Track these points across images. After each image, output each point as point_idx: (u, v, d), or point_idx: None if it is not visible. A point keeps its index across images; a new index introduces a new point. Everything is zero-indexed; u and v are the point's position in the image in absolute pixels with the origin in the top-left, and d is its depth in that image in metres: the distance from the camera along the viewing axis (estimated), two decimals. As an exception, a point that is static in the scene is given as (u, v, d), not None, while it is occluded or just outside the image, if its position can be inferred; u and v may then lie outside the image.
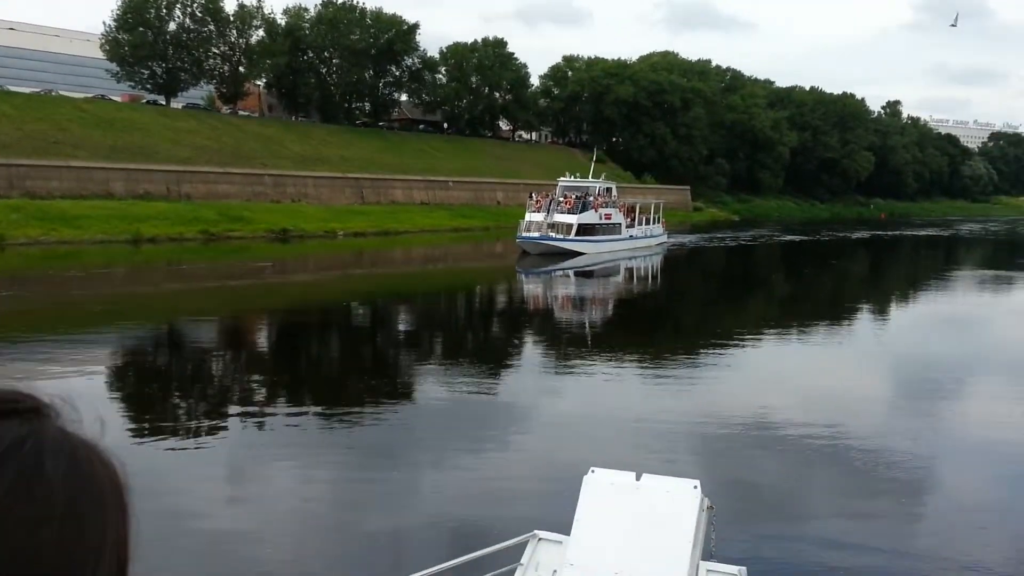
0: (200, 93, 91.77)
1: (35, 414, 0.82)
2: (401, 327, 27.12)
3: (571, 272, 42.37)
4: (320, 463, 12.32)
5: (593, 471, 5.34)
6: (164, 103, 78.65)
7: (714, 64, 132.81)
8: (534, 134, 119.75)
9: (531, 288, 38.13)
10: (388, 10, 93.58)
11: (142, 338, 22.65)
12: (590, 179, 56.03)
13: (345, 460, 12.60)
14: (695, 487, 5.16)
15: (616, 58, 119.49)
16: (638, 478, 5.24)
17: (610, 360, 20.65)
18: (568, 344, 23.39)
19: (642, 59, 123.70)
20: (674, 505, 5.10)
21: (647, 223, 59.29)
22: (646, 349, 22.40)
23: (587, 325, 27.39)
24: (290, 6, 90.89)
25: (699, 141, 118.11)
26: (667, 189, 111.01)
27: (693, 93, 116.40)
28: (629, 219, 55.87)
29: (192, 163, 62.58)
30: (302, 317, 27.59)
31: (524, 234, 48.94)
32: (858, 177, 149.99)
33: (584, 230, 49.53)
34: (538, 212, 49.99)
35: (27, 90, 70.30)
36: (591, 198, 51.70)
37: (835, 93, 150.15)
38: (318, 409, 15.50)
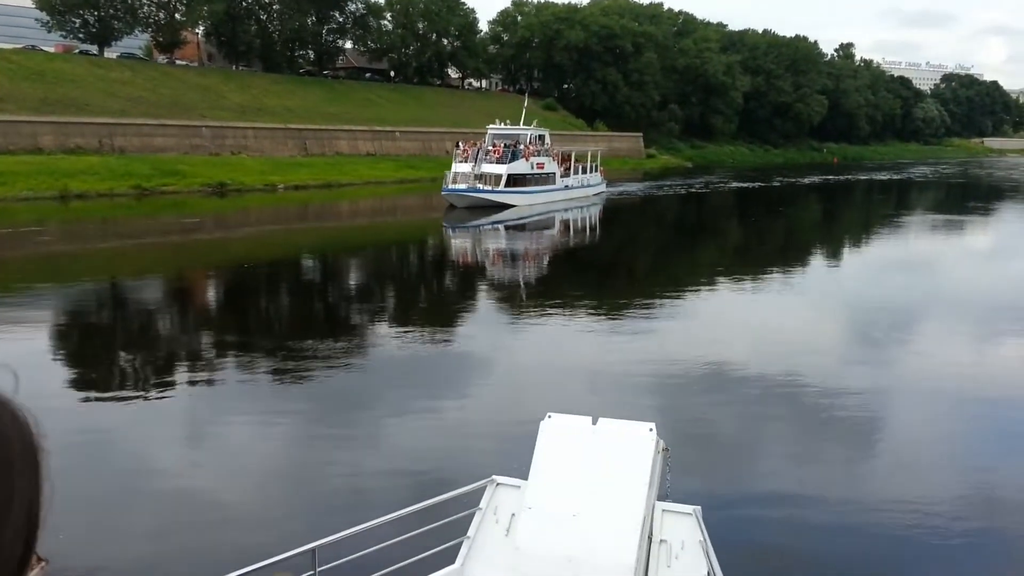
0: (138, 43, 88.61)
1: None
2: (333, 284, 26.36)
3: (502, 226, 40.71)
4: (276, 419, 12.33)
5: (550, 416, 5.43)
6: (97, 53, 75.87)
7: (666, 8, 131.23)
8: (484, 82, 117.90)
9: (464, 242, 36.92)
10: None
11: (51, 301, 21.66)
12: (521, 126, 52.48)
13: (302, 415, 12.58)
14: (650, 430, 5.24)
15: (566, 2, 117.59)
16: (594, 422, 5.30)
17: (558, 311, 20.43)
18: (513, 297, 23.19)
19: (593, 3, 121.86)
20: (630, 448, 5.19)
21: (584, 172, 56.50)
22: (591, 301, 22.09)
23: (527, 278, 26.85)
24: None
25: (651, 87, 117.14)
26: (619, 136, 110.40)
27: (644, 37, 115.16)
28: (564, 168, 53.15)
29: (127, 115, 60.50)
30: (224, 275, 26.70)
31: (451, 186, 46.18)
32: (811, 122, 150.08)
33: (514, 181, 46.77)
34: (465, 162, 46.91)
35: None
36: (522, 147, 48.67)
37: (788, 36, 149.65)
38: (268, 365, 15.21)
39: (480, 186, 45.80)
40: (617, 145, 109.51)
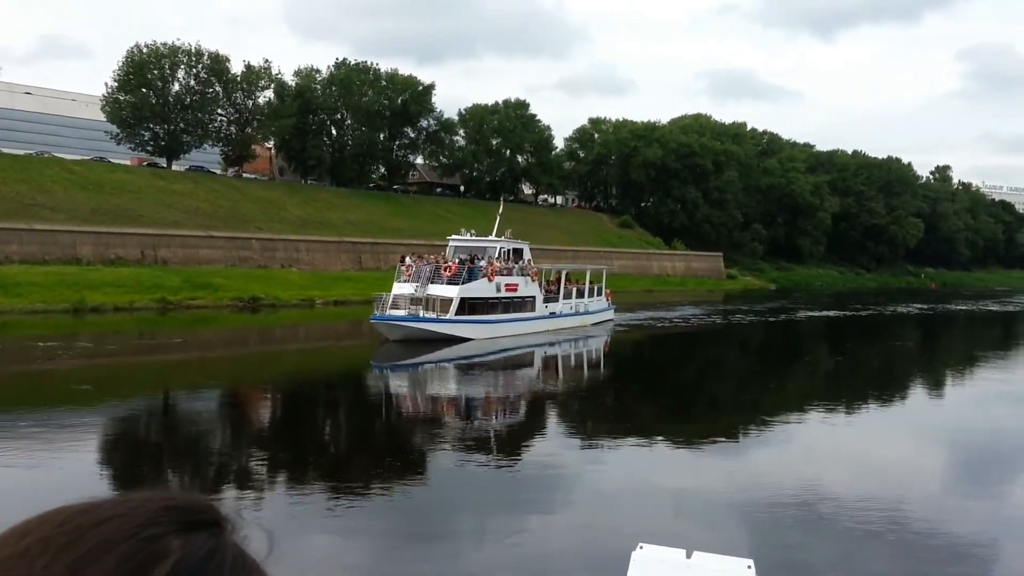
0: (214, 156, 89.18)
1: (217, 527, 0.85)
2: (270, 415, 22.14)
3: (451, 364, 31.61)
4: (354, 542, 11.99)
5: (641, 547, 4.77)
6: (165, 165, 76.14)
7: (750, 127, 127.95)
8: (559, 198, 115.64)
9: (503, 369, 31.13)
10: (427, 82, 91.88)
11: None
12: (491, 237, 41.45)
13: (379, 538, 12.23)
14: (749, 567, 4.63)
15: (646, 120, 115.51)
16: (688, 555, 4.74)
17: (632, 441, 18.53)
18: (578, 425, 21.40)
19: (673, 121, 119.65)
20: None
21: (581, 295, 45.66)
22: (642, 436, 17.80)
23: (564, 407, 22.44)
24: (301, 67, 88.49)
25: (733, 206, 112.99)
26: (698, 255, 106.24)
27: (726, 156, 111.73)
28: (549, 290, 43.15)
29: (179, 227, 59.14)
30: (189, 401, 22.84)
31: (388, 312, 35.20)
32: (906, 245, 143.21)
33: (471, 307, 36.47)
34: (408, 282, 36.49)
35: (23, 152, 67.75)
36: (482, 262, 38.10)
37: (880, 158, 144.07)
38: (335, 488, 14.39)
39: (422, 313, 35.42)
40: (696, 265, 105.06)
